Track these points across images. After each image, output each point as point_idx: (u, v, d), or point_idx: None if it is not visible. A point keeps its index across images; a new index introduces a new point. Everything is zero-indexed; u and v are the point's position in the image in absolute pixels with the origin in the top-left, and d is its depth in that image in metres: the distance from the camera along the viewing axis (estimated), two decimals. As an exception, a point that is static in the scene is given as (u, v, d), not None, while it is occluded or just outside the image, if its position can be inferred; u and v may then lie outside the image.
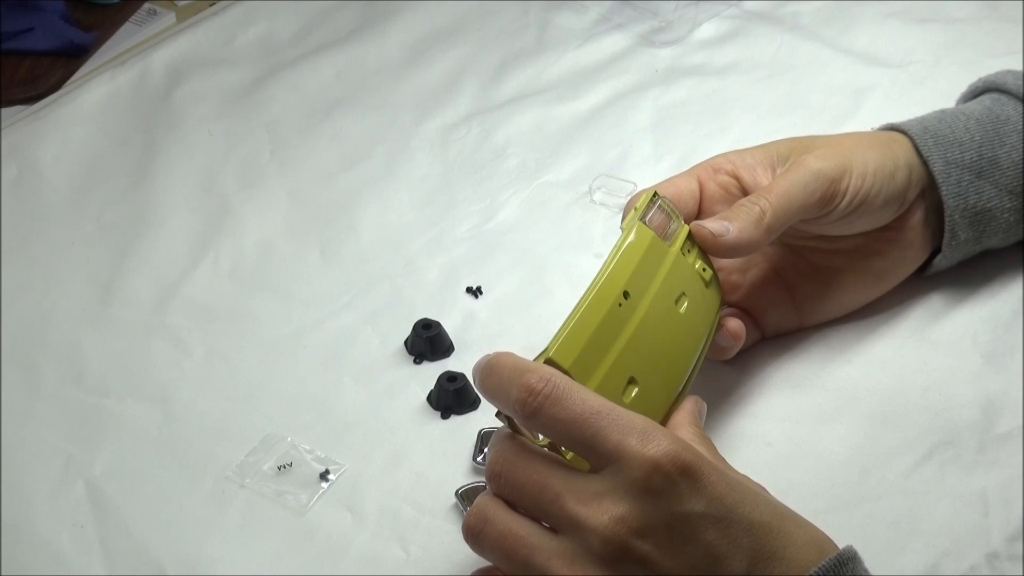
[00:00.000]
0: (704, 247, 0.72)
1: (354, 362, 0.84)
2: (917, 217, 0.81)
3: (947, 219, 0.80)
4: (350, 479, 0.76)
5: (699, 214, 0.77)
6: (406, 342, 0.84)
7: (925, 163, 0.80)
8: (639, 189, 0.92)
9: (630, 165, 0.97)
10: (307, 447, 0.78)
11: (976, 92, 0.86)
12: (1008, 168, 0.81)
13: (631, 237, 0.68)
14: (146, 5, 1.14)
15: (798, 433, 0.76)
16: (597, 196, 0.94)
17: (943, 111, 0.83)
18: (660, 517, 0.59)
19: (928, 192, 0.81)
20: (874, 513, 0.72)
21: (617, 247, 0.68)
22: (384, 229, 0.93)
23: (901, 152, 0.79)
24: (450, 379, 0.80)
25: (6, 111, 1.04)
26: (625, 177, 0.95)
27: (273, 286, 0.89)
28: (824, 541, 0.62)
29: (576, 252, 0.90)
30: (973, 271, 0.85)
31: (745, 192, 0.76)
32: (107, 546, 0.73)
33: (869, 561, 0.62)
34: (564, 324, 0.64)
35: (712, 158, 0.79)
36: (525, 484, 0.61)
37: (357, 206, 0.95)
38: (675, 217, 0.72)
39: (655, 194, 0.71)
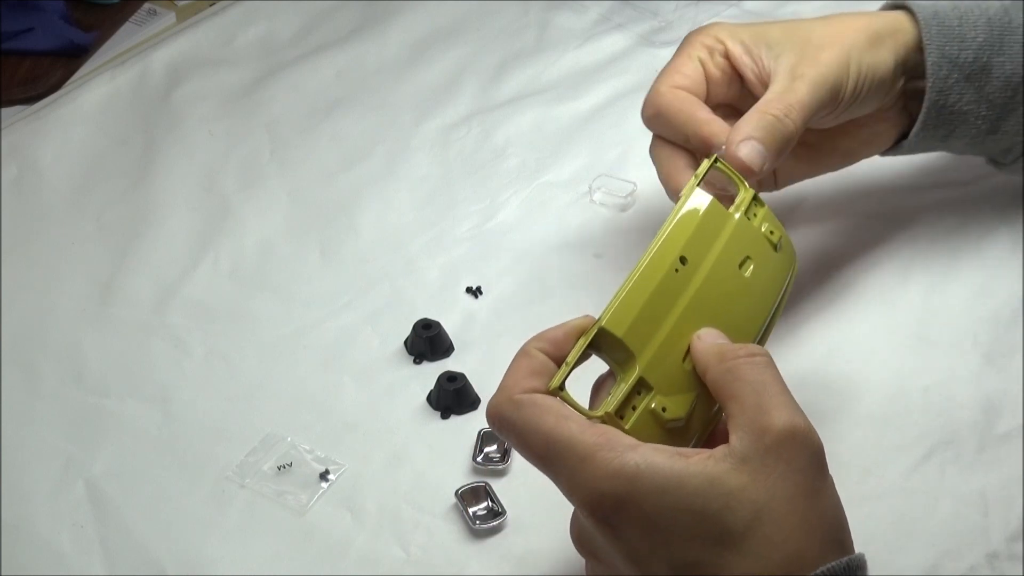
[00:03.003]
0: (740, 171, 0.72)
1: (354, 362, 0.84)
2: (896, 105, 0.81)
3: (924, 112, 0.80)
4: (350, 479, 0.76)
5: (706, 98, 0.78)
6: (406, 342, 0.84)
7: (921, 50, 0.79)
8: (636, 188, 0.92)
9: (630, 165, 0.97)
10: (307, 447, 0.78)
11: None
12: (997, 79, 0.80)
13: (687, 202, 0.67)
14: (146, 5, 1.14)
15: (798, 433, 0.76)
16: (597, 196, 0.94)
17: None
18: (596, 544, 0.62)
19: (912, 78, 0.80)
20: (874, 513, 0.72)
21: (674, 213, 0.67)
22: (384, 229, 0.93)
23: (895, 48, 0.79)
24: (450, 379, 0.80)
25: (6, 111, 1.04)
26: (625, 177, 0.95)
27: (273, 286, 0.89)
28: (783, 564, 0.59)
29: (576, 252, 0.90)
30: (973, 271, 0.85)
31: (738, 74, 0.78)
32: (107, 546, 0.74)
33: (870, 561, 0.62)
34: (618, 292, 0.64)
35: (703, 35, 0.79)
36: None
37: (357, 206, 0.95)
38: (738, 181, 0.71)
39: (716, 159, 0.70)
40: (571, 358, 0.64)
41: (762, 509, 0.58)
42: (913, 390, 0.79)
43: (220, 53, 1.10)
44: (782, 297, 0.71)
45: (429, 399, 0.80)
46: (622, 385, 0.63)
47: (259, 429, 0.79)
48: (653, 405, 0.63)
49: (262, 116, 1.04)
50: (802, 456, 0.60)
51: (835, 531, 0.61)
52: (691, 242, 0.66)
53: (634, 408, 0.63)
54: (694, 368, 0.65)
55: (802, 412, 0.61)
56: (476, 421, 0.79)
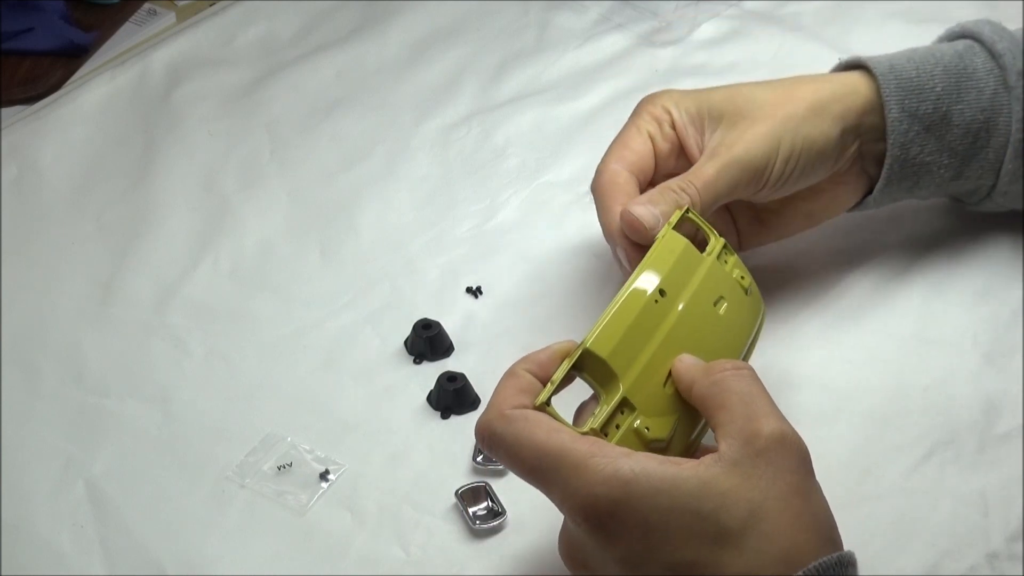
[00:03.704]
0: (634, 235, 0.74)
1: (354, 362, 0.84)
2: (853, 169, 0.81)
3: (886, 168, 0.81)
4: (350, 479, 0.76)
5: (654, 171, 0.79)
6: (406, 342, 0.84)
7: (881, 107, 0.80)
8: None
9: (630, 165, 0.97)
10: (307, 447, 0.78)
11: (953, 36, 0.85)
12: (957, 126, 0.80)
13: (665, 241, 0.70)
14: (146, 5, 1.14)
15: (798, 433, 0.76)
16: (597, 196, 0.94)
17: (914, 50, 0.82)
18: (588, 553, 0.63)
19: (871, 139, 0.80)
20: (874, 513, 0.72)
21: (652, 250, 0.69)
22: (384, 229, 0.93)
23: (843, 116, 0.79)
24: (450, 379, 0.80)
25: (6, 111, 1.04)
26: (625, 177, 0.95)
27: (273, 286, 0.89)
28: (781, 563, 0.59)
29: (576, 252, 0.90)
30: (973, 271, 0.85)
31: (683, 147, 0.79)
32: (107, 546, 0.74)
33: (869, 561, 0.62)
34: (602, 317, 0.65)
35: (652, 104, 0.80)
36: None
37: (357, 206, 0.95)
38: (708, 230, 0.73)
39: (687, 210, 0.72)
40: (556, 376, 0.65)
41: (757, 507, 0.59)
42: (913, 390, 0.79)
43: (220, 53, 1.10)
44: (752, 341, 0.73)
45: (429, 399, 0.80)
46: (605, 406, 0.64)
47: (259, 429, 0.79)
48: (636, 424, 0.64)
49: (262, 116, 1.04)
50: (792, 459, 0.61)
51: (827, 529, 0.61)
52: (669, 277, 0.68)
53: (618, 427, 0.64)
54: (675, 392, 0.66)
55: (789, 423, 0.62)
56: (476, 421, 0.78)
